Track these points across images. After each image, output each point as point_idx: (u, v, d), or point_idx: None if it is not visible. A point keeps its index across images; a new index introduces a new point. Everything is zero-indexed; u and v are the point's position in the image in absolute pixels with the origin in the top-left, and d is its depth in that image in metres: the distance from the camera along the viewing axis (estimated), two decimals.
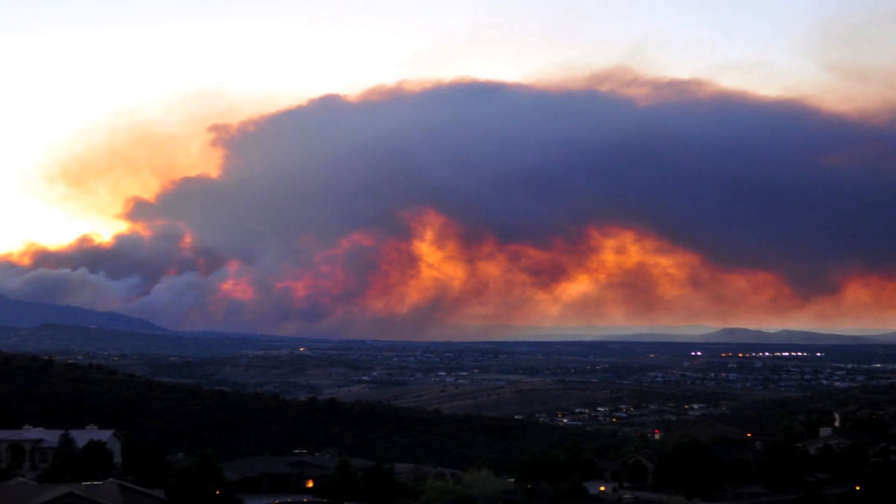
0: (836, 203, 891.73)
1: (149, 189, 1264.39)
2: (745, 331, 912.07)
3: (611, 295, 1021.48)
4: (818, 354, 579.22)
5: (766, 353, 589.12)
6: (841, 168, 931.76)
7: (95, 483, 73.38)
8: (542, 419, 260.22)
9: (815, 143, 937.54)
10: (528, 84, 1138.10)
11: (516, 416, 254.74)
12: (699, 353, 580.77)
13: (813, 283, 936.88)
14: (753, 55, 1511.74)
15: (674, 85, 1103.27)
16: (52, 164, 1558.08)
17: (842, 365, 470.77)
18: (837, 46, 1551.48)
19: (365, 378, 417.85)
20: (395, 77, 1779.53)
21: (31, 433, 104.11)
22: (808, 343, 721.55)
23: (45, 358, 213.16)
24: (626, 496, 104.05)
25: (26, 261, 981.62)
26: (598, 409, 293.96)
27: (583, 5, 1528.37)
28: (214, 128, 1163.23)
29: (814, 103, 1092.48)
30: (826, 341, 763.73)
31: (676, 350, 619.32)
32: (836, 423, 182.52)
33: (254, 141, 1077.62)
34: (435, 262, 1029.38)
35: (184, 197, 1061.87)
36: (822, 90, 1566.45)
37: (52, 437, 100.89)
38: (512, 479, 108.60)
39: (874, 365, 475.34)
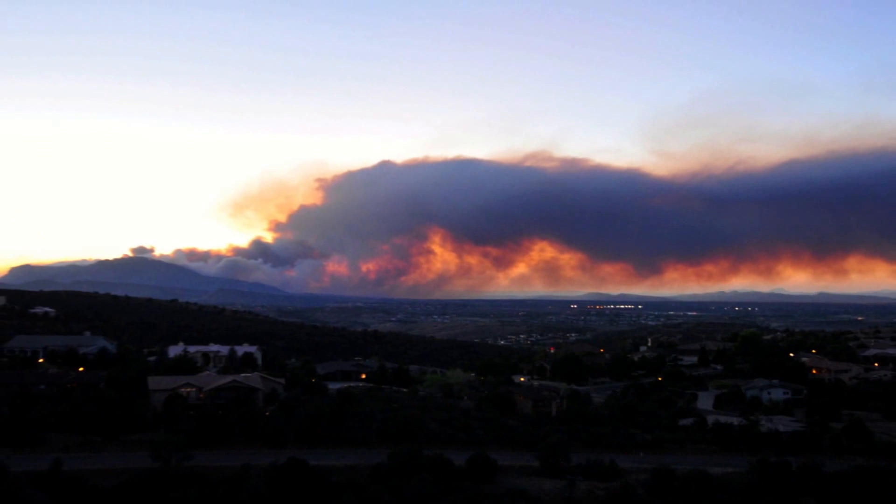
0: (659, 225, 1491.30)
1: (283, 214, 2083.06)
2: (604, 294, 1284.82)
3: (534, 275, 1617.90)
4: (639, 307, 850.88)
5: (612, 306, 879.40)
6: (661, 206, 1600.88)
7: (248, 374, 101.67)
8: (489, 342, 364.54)
9: (647, 193, 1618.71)
10: (491, 159, 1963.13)
11: (475, 340, 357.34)
12: (575, 306, 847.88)
13: (646, 268, 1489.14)
14: (611, 144, 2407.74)
15: (570, 161, 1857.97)
16: (235, 197, 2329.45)
17: (654, 312, 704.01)
18: (657, 139, 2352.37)
19: (393, 319, 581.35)
20: (423, 152, 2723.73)
21: (213, 348, 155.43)
22: (638, 300, 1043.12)
23: (221, 307, 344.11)
24: (535, 383, 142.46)
25: (228, 253, 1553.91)
26: (521, 336, 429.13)
27: (522, 113, 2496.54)
28: (319, 179, 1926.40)
29: (646, 171, 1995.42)
30: (648, 300, 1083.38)
31: (564, 305, 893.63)
32: (649, 344, 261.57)
33: (341, 186, 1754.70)
34: (439, 254, 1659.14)
35: (302, 218, 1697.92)
36: (650, 164, 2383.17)
37: (224, 350, 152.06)
38: (473, 374, 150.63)
39: (669, 312, 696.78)
